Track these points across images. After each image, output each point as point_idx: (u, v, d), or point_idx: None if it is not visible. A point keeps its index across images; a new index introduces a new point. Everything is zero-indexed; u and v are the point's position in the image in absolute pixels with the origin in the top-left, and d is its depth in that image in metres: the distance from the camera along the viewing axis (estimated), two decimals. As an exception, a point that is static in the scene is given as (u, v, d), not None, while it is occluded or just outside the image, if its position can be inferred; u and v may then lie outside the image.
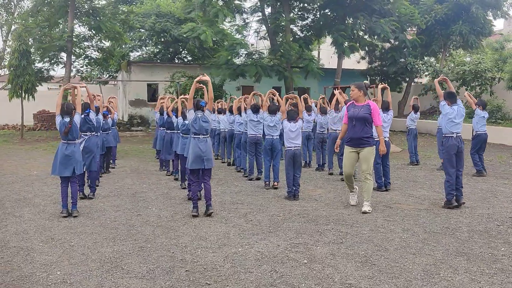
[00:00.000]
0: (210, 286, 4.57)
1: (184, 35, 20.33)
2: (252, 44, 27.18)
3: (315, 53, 34.43)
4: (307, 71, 22.81)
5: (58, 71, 27.46)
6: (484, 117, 10.63)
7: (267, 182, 9.49)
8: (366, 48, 26.82)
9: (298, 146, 8.40)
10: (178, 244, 5.89)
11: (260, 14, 24.37)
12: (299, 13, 25.52)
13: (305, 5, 24.67)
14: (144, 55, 32.01)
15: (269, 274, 4.81)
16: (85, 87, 8.90)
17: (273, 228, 6.52)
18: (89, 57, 25.82)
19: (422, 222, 6.73)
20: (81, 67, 26.02)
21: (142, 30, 28.68)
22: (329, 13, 24.40)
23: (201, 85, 8.74)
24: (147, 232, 6.45)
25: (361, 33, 24.84)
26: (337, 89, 13.06)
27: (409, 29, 25.05)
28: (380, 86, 9.53)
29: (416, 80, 28.21)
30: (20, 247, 5.86)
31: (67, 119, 7.41)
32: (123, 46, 28.86)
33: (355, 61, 30.13)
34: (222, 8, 19.64)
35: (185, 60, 31.80)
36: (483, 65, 20.83)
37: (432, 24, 23.82)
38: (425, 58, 24.99)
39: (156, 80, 27.03)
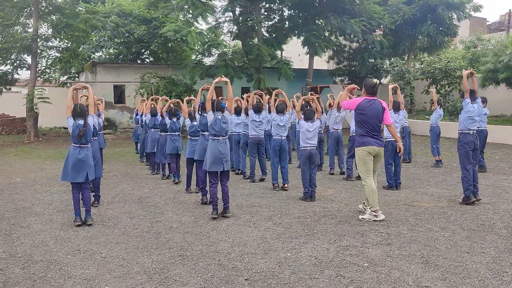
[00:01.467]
0: (281, 295, 4.33)
1: (168, 36, 19.71)
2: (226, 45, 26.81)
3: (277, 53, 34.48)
4: (279, 72, 22.76)
5: (23, 74, 26.16)
6: (486, 114, 10.83)
7: (276, 184, 9.27)
8: (335, 48, 27.02)
9: (314, 146, 8.23)
10: (219, 251, 5.58)
11: (231, 14, 24.09)
12: (265, 13, 25.39)
13: (272, 5, 24.55)
14: (106, 56, 30.99)
15: (337, 279, 4.61)
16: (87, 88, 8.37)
17: (308, 231, 6.32)
18: (53, 57, 24.63)
19: (454, 220, 6.71)
20: (44, 68, 24.76)
21: (104, 31, 27.71)
22: (300, 14, 24.38)
23: (208, 86, 8.49)
24: (178, 240, 6.10)
25: (327, 34, 24.96)
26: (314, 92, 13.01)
27: (377, 30, 25.40)
28: (390, 86, 9.49)
29: (382, 80, 28.66)
30: (48, 261, 5.40)
31: (80, 122, 6.94)
32: (86, 45, 27.82)
33: (320, 61, 30.37)
34: (206, 8, 19.25)
35: (147, 61, 30.98)
36: (452, 64, 21.38)
37: (400, 25, 24.27)
38: (392, 59, 25.43)
39: (123, 82, 26.21)
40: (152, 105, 13.33)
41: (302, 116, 8.29)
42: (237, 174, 11.19)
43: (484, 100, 11.13)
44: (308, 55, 24.85)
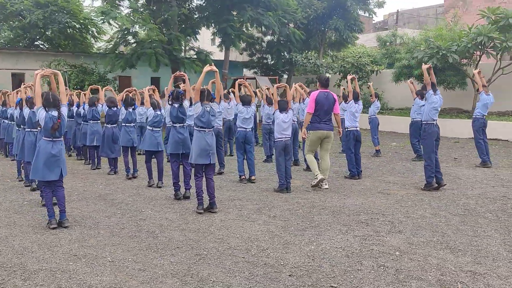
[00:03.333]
0: (337, 289, 4.22)
1: (96, 19, 18.21)
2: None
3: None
4: (196, 63, 22.26)
5: None
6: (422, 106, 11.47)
7: (243, 176, 9.06)
8: (248, 40, 27.05)
9: (289, 137, 8.16)
10: (236, 248, 5.31)
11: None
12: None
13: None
14: (0, 41, 28.15)
15: (381, 269, 4.59)
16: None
17: (310, 223, 6.24)
18: None
19: (437, 206, 7.02)
20: None
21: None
22: (214, 4, 23.98)
23: (182, 73, 8.13)
24: (180, 238, 5.71)
25: (238, 25, 24.89)
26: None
27: (290, 24, 25.86)
28: (349, 77, 9.70)
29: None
30: (49, 269, 4.76)
31: (54, 113, 6.19)
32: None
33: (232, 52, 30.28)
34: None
35: (41, 47, 28.52)
36: (363, 59, 22.47)
37: (313, 19, 24.93)
38: (308, 52, 26.09)
39: (23, 69, 23.97)
40: (70, 96, 12.37)
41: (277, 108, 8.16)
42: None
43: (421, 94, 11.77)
44: (224, 46, 24.63)
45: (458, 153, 12.48)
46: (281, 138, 8.08)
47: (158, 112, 8.78)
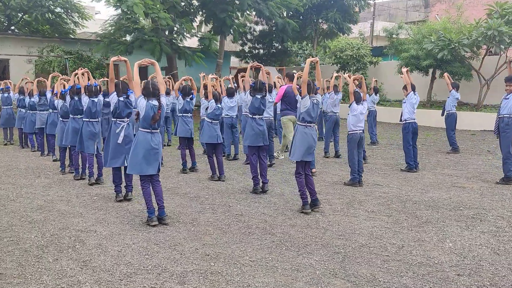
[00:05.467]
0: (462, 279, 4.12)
1: (110, 6, 17.25)
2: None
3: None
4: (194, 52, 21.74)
5: None
6: (457, 98, 11.53)
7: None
8: (240, 30, 26.65)
9: (363, 129, 8.00)
10: (370, 245, 5.13)
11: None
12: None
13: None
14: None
15: (471, 263, 4.52)
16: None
17: (419, 219, 6.13)
18: None
19: (525, 199, 7.04)
20: None
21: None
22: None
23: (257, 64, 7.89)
24: (299, 235, 5.49)
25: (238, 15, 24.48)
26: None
27: (285, 13, 25.64)
28: (334, 74, 10.64)
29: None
30: (194, 272, 4.46)
31: (155, 102, 5.81)
32: None
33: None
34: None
35: (17, 32, 27.08)
36: (362, 51, 22.55)
37: (308, 9, 24.81)
38: (304, 42, 25.96)
39: (6, 55, 22.75)
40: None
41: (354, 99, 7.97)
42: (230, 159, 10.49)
43: (457, 86, 11.86)
44: (219, 36, 24.15)
45: (483, 146, 12.62)
46: (356, 130, 7.92)
47: (219, 105, 8.45)
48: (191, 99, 9.12)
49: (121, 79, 7.96)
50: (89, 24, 29.30)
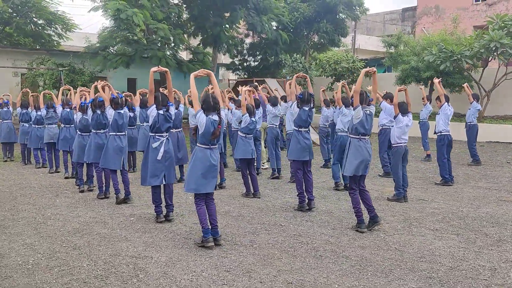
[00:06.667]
0: None
1: (108, 17, 16.47)
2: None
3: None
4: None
5: None
6: (479, 109, 11.34)
7: (340, 183, 8.50)
8: (230, 42, 26.32)
9: (407, 142, 7.67)
10: (475, 270, 4.76)
11: None
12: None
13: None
14: None
15: None
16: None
17: (491, 237, 5.80)
18: None
19: None
20: None
21: None
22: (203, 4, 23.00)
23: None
24: (394, 256, 5.07)
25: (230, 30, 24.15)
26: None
27: (276, 26, 25.44)
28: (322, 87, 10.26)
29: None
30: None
31: (215, 117, 5.36)
32: None
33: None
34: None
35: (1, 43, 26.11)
36: (357, 64, 22.52)
37: (300, 22, 24.68)
38: (296, 55, 25.75)
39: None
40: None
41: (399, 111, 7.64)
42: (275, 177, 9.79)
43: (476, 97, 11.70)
44: (212, 48, 23.79)
45: (499, 157, 12.49)
46: (401, 143, 7.58)
47: (253, 119, 8.00)
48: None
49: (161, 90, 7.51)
50: (72, 36, 28.53)
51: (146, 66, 18.89)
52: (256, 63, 26.87)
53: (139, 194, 8.22)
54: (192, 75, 5.54)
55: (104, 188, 7.98)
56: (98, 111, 7.87)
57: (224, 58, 29.58)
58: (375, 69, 6.33)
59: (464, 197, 7.92)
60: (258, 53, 26.02)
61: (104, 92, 7.78)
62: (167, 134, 6.50)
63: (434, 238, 5.74)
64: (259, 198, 7.91)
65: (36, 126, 10.94)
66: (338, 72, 22.83)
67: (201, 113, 5.34)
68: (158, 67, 6.53)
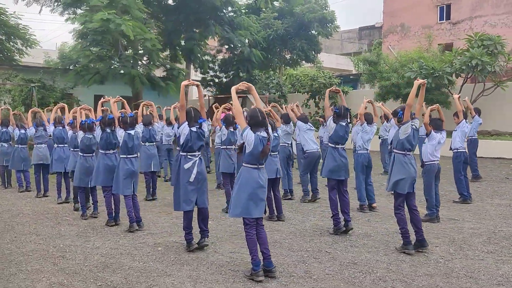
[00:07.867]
0: None
1: (94, 28, 15.47)
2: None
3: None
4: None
5: None
6: (480, 123, 11.26)
7: (365, 206, 8.10)
8: (203, 58, 25.84)
9: (439, 159, 7.39)
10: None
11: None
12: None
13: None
14: None
15: None
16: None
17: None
18: None
19: None
20: None
21: None
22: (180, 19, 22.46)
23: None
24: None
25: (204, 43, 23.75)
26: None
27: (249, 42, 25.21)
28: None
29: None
30: None
31: (263, 134, 4.88)
32: None
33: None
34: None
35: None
36: (333, 80, 22.49)
37: (273, 39, 24.51)
38: (271, 71, 25.53)
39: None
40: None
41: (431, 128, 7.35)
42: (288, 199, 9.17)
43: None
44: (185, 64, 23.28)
45: (494, 173, 12.51)
46: (434, 160, 7.28)
47: (276, 134, 7.52)
48: (235, 129, 8.17)
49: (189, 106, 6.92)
50: (32, 52, 27.24)
51: (114, 83, 18.19)
52: (228, 79, 26.44)
53: (150, 219, 7.54)
54: (233, 89, 5.07)
55: (113, 214, 7.26)
56: (108, 130, 7.19)
57: (195, 75, 28.95)
58: (425, 81, 6.06)
59: (491, 215, 7.70)
60: (230, 69, 25.66)
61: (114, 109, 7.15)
62: (199, 153, 5.94)
63: (495, 261, 5.42)
64: (283, 221, 7.40)
65: (20, 145, 10.04)
66: (314, 88, 22.79)
67: (249, 130, 4.85)
68: (189, 81, 6.03)
